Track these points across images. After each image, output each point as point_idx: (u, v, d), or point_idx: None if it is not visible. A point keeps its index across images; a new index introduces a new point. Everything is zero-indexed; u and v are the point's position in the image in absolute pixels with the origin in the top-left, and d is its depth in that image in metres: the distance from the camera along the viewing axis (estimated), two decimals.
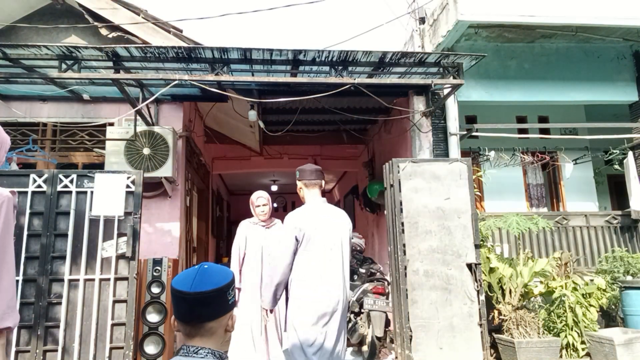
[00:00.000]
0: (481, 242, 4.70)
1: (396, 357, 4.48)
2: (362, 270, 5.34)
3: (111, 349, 3.69)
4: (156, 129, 5.10)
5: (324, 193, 11.11)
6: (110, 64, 4.40)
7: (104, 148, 5.09)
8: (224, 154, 9.13)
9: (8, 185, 3.81)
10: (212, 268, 1.39)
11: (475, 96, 5.89)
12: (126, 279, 3.80)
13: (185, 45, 4.77)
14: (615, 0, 5.27)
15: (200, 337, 1.33)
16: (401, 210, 4.53)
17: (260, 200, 4.23)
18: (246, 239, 4.20)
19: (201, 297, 1.29)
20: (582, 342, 4.60)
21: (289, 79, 4.67)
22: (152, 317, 4.16)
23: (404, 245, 4.44)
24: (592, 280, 5.11)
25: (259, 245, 4.19)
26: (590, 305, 4.77)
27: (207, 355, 1.31)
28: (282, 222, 4.29)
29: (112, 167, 4.87)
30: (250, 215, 4.32)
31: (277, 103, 6.06)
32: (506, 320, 4.52)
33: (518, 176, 6.78)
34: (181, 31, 5.19)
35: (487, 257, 4.75)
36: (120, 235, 3.86)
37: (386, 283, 5.04)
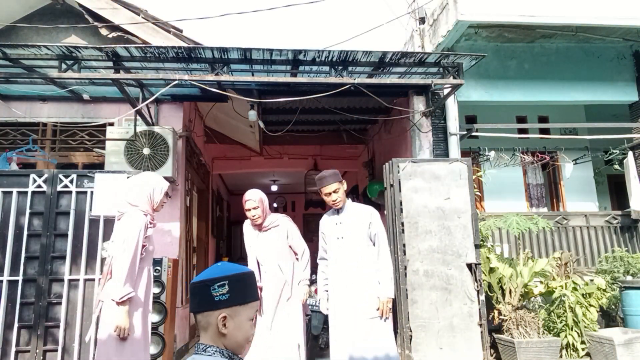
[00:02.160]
0: (481, 242, 4.70)
1: None
2: None
3: None
4: (156, 129, 5.10)
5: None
6: (110, 64, 4.40)
7: (104, 148, 5.09)
8: (224, 154, 9.12)
9: (8, 185, 3.81)
10: (219, 265, 1.41)
11: (475, 96, 5.88)
12: None
13: (185, 45, 4.76)
14: (615, 0, 5.27)
15: (200, 331, 1.38)
16: (401, 210, 4.53)
17: (248, 203, 3.65)
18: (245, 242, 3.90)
19: (191, 289, 1.38)
20: (582, 342, 4.60)
21: (289, 79, 4.67)
22: (152, 317, 4.16)
23: (404, 245, 4.44)
24: (592, 280, 5.11)
25: (253, 253, 3.82)
26: (590, 305, 4.77)
27: (214, 354, 1.32)
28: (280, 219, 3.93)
29: (112, 167, 4.87)
30: None
31: (277, 103, 6.06)
32: (506, 320, 4.52)
33: (518, 176, 6.78)
34: (181, 31, 5.19)
35: (487, 257, 4.75)
36: None
37: None
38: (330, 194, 3.42)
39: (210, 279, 1.34)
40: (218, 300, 1.33)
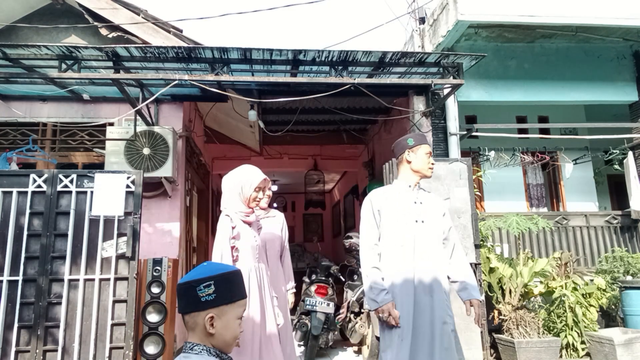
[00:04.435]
0: (481, 242, 4.70)
1: None
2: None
3: (111, 349, 3.68)
4: (156, 129, 5.10)
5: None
6: (110, 64, 4.40)
7: (104, 148, 5.09)
8: (224, 154, 9.12)
9: (8, 185, 3.81)
10: (205, 264, 1.41)
11: (475, 96, 5.88)
12: (126, 279, 3.79)
13: (185, 45, 4.76)
14: (615, 0, 5.27)
15: (188, 331, 1.38)
16: None
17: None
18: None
19: (177, 290, 1.38)
20: (582, 342, 4.60)
21: (289, 79, 4.67)
22: (152, 317, 4.16)
23: None
24: (592, 280, 5.12)
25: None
26: (590, 305, 4.78)
27: (201, 352, 1.33)
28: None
29: (112, 167, 4.87)
30: None
31: (277, 103, 6.07)
32: (506, 320, 4.52)
33: (518, 176, 6.78)
34: (181, 31, 5.19)
35: (487, 257, 4.75)
36: (120, 235, 3.86)
37: None
38: (430, 154, 2.78)
39: (196, 279, 1.34)
40: (205, 300, 1.32)
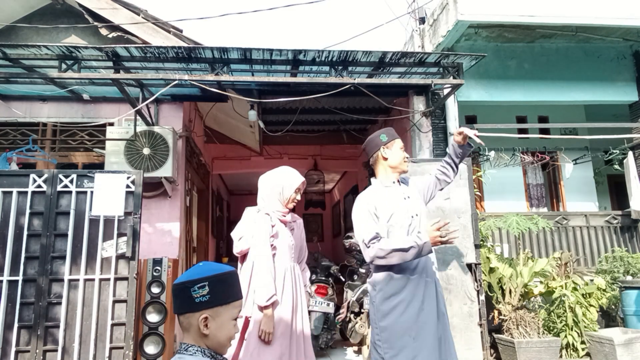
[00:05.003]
0: (481, 242, 4.70)
1: None
2: (362, 270, 5.34)
3: (111, 349, 3.68)
4: (156, 129, 5.10)
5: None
6: (110, 64, 4.40)
7: (104, 148, 5.09)
8: (224, 154, 9.12)
9: (8, 185, 3.81)
10: (201, 265, 1.40)
11: (475, 96, 5.88)
12: (126, 279, 3.79)
13: (185, 45, 4.76)
14: (615, 0, 5.27)
15: (182, 331, 1.38)
16: None
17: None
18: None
19: (172, 290, 1.38)
20: (582, 342, 4.60)
21: (289, 79, 4.67)
22: (152, 317, 4.16)
23: None
24: (592, 280, 5.12)
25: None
26: (590, 305, 4.78)
27: (195, 353, 1.33)
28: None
29: (112, 167, 4.87)
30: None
31: (277, 103, 6.07)
32: (506, 320, 4.52)
33: (518, 176, 6.78)
34: (181, 31, 5.19)
35: (487, 257, 4.75)
36: (120, 235, 3.86)
37: None
38: (403, 147, 2.73)
39: (191, 280, 1.34)
40: (199, 301, 1.32)
